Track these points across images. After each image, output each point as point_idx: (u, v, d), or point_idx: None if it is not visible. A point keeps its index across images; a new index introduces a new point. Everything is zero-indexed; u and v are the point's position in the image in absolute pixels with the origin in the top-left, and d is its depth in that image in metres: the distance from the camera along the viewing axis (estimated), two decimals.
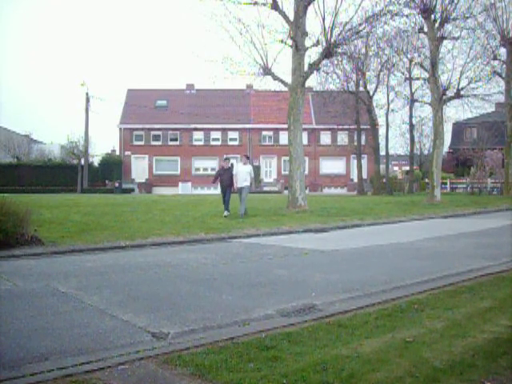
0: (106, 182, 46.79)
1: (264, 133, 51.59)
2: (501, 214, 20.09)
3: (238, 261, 9.19)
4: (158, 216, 16.16)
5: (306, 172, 42.03)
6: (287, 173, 24.89)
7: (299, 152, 19.52)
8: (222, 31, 23.81)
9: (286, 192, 31.04)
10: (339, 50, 21.02)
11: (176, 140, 51.13)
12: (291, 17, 19.24)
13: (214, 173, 28.81)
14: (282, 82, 20.33)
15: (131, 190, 45.46)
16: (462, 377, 3.69)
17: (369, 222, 16.31)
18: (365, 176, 44.77)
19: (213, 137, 51.34)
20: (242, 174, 16.48)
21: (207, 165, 50.30)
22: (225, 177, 16.56)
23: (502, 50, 32.05)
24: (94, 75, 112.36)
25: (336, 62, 33.04)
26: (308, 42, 19.76)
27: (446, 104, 29.93)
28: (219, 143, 51.09)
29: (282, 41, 19.63)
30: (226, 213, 16.24)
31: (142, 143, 50.68)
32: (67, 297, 6.27)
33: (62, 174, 46.25)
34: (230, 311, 5.59)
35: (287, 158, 22.00)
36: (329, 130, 50.12)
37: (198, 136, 51.19)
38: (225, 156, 22.63)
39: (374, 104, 40.04)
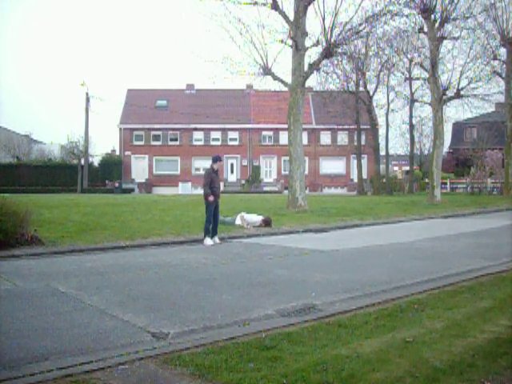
0: (106, 182, 46.81)
1: (264, 133, 51.59)
2: (501, 214, 20.09)
3: (238, 261, 9.18)
4: (158, 216, 16.15)
5: (306, 172, 41.97)
6: (287, 173, 24.91)
7: (299, 152, 19.51)
8: (222, 31, 24.00)
9: (285, 192, 31.03)
10: (339, 50, 21.03)
11: (176, 140, 51.13)
12: (291, 17, 19.25)
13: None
14: (282, 82, 20.33)
15: (131, 190, 45.46)
16: (461, 377, 3.69)
17: (369, 222, 16.32)
18: (365, 176, 44.77)
19: (213, 137, 51.35)
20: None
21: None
22: (217, 183, 11.71)
23: (502, 50, 32.09)
24: (94, 75, 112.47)
25: (336, 62, 33.06)
26: (308, 42, 19.81)
27: (446, 104, 29.96)
28: (219, 143, 51.09)
29: (281, 41, 19.64)
30: (216, 239, 11.55)
31: (142, 143, 50.69)
32: (67, 297, 6.27)
33: (62, 174, 46.31)
34: (230, 311, 5.58)
35: (287, 158, 21.99)
36: (329, 130, 50.14)
37: (198, 136, 51.21)
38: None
39: (374, 104, 40.10)
